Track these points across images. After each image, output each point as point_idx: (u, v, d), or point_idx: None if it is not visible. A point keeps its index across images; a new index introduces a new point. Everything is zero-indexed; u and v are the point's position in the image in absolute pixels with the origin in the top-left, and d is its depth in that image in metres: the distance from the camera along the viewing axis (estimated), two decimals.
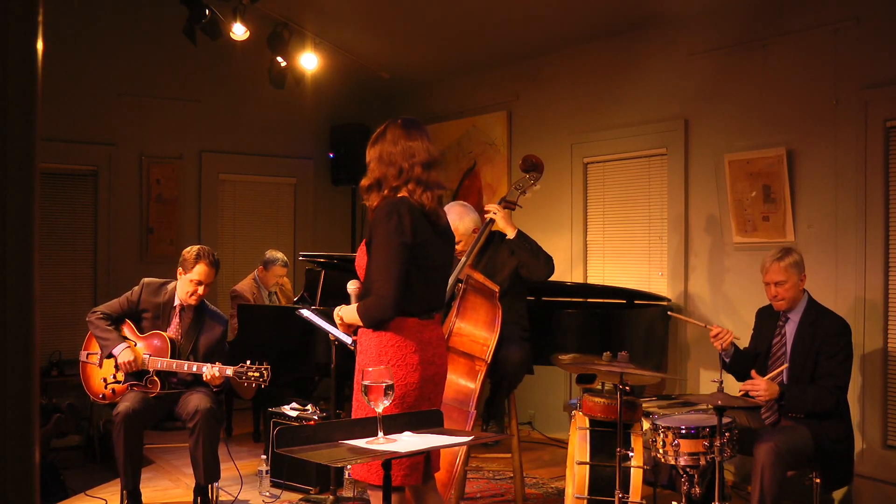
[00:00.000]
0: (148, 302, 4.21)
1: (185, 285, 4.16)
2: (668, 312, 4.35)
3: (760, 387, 3.61)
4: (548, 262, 4.17)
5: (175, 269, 4.23)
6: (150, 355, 4.09)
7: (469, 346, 3.70)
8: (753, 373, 3.72)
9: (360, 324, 2.71)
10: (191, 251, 4.18)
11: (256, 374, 3.97)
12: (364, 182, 2.81)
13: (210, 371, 3.99)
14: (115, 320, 4.20)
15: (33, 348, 0.79)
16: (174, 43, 6.31)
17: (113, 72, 6.76)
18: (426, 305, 2.76)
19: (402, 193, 2.72)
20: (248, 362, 4.01)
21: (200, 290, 4.16)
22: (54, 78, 6.24)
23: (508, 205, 4.27)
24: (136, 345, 4.14)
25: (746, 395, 3.70)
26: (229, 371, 4.01)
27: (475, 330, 3.73)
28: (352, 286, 2.87)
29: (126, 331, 4.20)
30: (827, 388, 3.62)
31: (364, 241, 2.76)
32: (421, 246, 2.69)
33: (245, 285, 6.29)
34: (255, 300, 6.21)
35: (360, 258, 2.76)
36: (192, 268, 4.14)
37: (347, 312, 2.76)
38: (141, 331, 4.19)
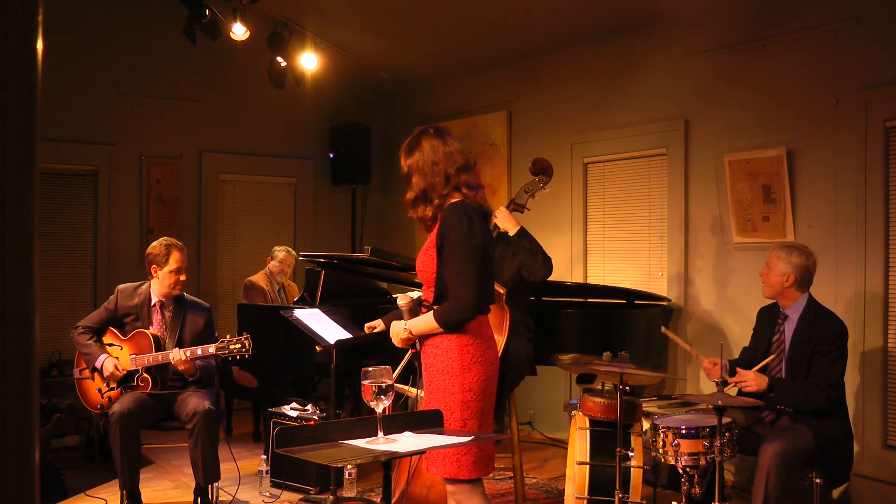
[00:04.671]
0: (126, 306, 4.26)
1: (167, 278, 4.21)
2: (662, 329, 4.30)
3: (748, 377, 3.65)
4: (545, 263, 4.17)
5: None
6: (136, 354, 4.12)
7: None
8: (739, 368, 3.75)
9: (437, 331, 2.71)
10: (157, 247, 4.24)
11: (238, 346, 4.01)
12: (409, 195, 2.83)
13: (176, 355, 4.01)
14: (98, 331, 4.25)
15: (33, 348, 0.79)
16: (174, 43, 6.31)
17: (113, 72, 6.75)
18: (491, 302, 2.82)
19: (456, 198, 2.77)
20: (228, 336, 4.04)
21: (182, 277, 4.24)
22: (54, 78, 6.25)
23: (517, 207, 4.28)
24: (121, 349, 4.16)
25: (742, 392, 3.71)
26: (211, 349, 4.03)
27: None
28: (403, 300, 2.82)
29: (110, 337, 4.24)
30: (818, 386, 3.62)
31: (426, 247, 2.78)
32: (486, 246, 2.76)
33: (259, 277, 6.33)
34: (268, 291, 6.25)
35: (428, 264, 2.76)
36: (168, 259, 4.21)
37: (419, 324, 2.76)
38: (124, 335, 4.22)
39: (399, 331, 2.81)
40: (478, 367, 2.70)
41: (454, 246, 2.68)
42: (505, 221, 4.16)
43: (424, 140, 2.83)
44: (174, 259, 4.20)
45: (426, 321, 2.73)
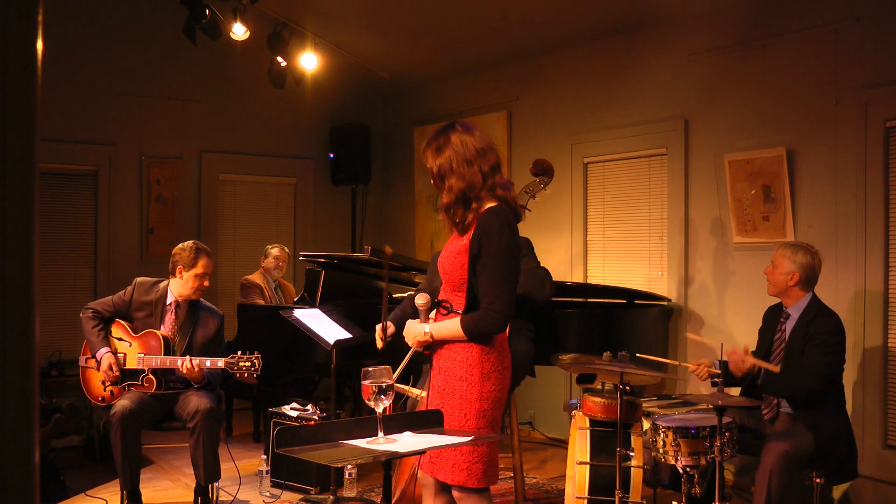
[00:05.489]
0: (140, 301, 4.24)
1: (191, 281, 4.19)
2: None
3: (738, 358, 3.70)
4: (542, 285, 4.06)
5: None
6: (145, 354, 4.11)
7: None
8: (734, 346, 3.79)
9: (460, 338, 2.62)
10: (186, 248, 4.22)
11: (248, 364, 3.99)
12: (447, 199, 2.63)
13: (185, 364, 4.00)
14: (107, 319, 4.22)
15: (33, 348, 0.79)
16: (174, 43, 6.32)
17: (113, 72, 6.75)
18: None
19: (491, 202, 2.63)
20: (239, 353, 4.03)
21: (206, 283, 4.24)
22: (54, 78, 6.25)
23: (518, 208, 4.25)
24: (130, 345, 4.15)
25: (744, 390, 3.71)
26: (221, 363, 4.02)
27: None
28: (421, 300, 2.69)
29: (119, 331, 4.22)
30: (800, 374, 3.63)
31: (457, 250, 2.64)
32: (519, 258, 2.67)
33: (255, 276, 6.35)
34: (265, 287, 6.26)
35: (458, 269, 2.63)
36: (196, 263, 4.19)
37: (443, 329, 2.65)
38: (135, 330, 4.21)
39: (419, 332, 2.69)
40: (496, 375, 2.64)
41: (493, 257, 2.56)
42: None
43: (454, 136, 2.63)
44: (202, 264, 4.19)
45: (452, 328, 2.62)
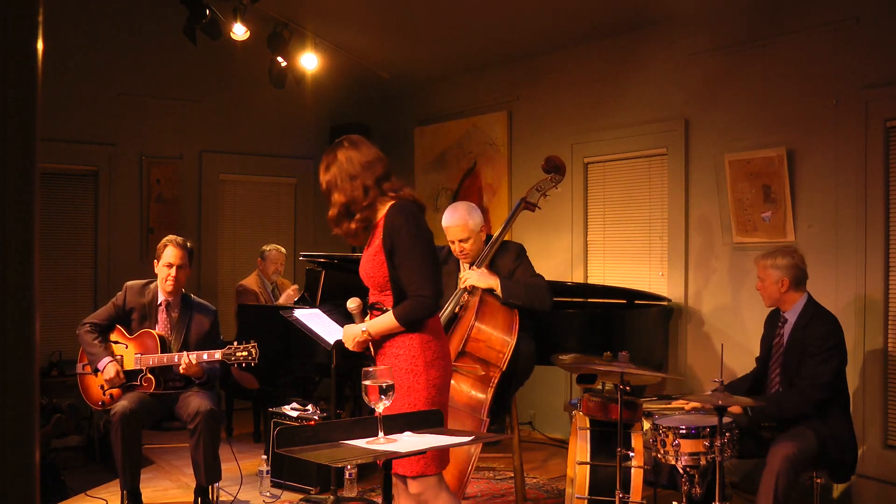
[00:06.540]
0: (134, 303, 4.25)
1: (161, 272, 4.22)
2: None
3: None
4: (542, 299, 3.98)
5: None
6: (141, 354, 4.11)
7: (485, 352, 3.68)
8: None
9: (396, 331, 2.71)
10: (160, 242, 4.27)
11: (245, 353, 4.00)
12: (331, 213, 2.79)
13: (184, 360, 4.00)
14: (105, 328, 4.23)
15: (33, 348, 0.79)
16: (174, 43, 6.31)
17: (113, 72, 6.75)
18: (441, 295, 2.86)
19: (387, 202, 2.76)
20: (235, 343, 4.03)
21: (174, 272, 4.21)
22: (54, 78, 6.25)
23: (528, 206, 4.24)
24: (126, 347, 4.16)
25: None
26: (217, 354, 4.02)
27: (494, 333, 3.71)
28: (352, 304, 2.83)
29: (116, 334, 4.22)
30: (799, 389, 3.62)
31: (373, 252, 2.74)
32: (432, 241, 2.80)
33: (250, 280, 6.32)
34: (261, 293, 6.24)
35: (378, 268, 2.73)
36: (163, 253, 4.22)
37: (377, 325, 2.74)
38: (130, 332, 4.21)
39: (356, 333, 2.78)
40: (439, 362, 2.74)
41: (407, 246, 2.69)
42: (484, 282, 3.86)
43: (340, 153, 2.80)
44: (168, 253, 4.20)
45: (385, 321, 2.72)
